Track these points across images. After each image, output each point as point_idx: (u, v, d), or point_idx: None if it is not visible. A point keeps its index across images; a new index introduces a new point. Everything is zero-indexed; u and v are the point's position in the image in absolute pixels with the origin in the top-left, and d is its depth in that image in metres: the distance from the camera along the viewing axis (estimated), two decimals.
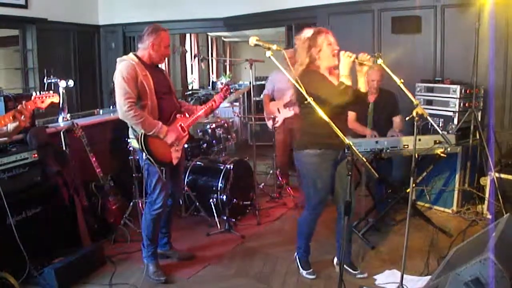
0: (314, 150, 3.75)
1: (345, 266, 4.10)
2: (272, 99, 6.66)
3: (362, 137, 5.11)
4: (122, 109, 3.76)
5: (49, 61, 7.62)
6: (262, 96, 6.83)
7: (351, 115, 5.13)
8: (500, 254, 2.78)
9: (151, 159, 3.88)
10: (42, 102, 3.51)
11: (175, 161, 4.05)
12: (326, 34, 3.72)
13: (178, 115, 4.14)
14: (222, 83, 14.34)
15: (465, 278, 2.82)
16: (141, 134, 3.83)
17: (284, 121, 6.38)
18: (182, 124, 4.12)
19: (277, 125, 6.45)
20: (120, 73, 3.79)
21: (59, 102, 4.45)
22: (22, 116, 3.38)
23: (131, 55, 3.97)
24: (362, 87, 3.70)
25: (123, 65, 3.84)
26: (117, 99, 3.79)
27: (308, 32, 3.77)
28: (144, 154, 3.88)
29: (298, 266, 4.22)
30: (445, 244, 4.63)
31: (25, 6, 7.30)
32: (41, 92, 3.56)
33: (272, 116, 6.32)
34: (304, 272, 4.16)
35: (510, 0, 5.52)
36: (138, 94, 3.83)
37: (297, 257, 4.25)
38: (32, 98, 3.49)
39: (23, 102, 3.42)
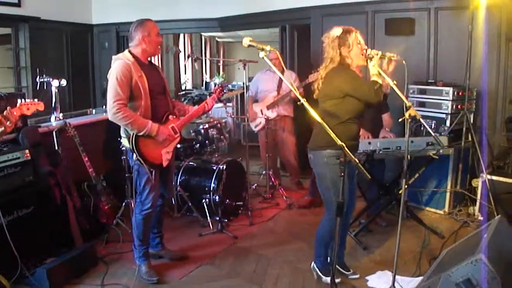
0: (336, 151, 3.50)
1: (337, 266, 4.11)
2: (256, 101, 6.69)
3: None
4: (111, 111, 3.75)
5: (42, 60, 7.61)
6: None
7: None
8: (491, 255, 2.80)
9: (141, 160, 3.87)
10: (28, 109, 3.50)
11: (165, 163, 4.03)
12: (356, 33, 3.71)
13: (171, 117, 4.13)
14: (216, 84, 14.37)
15: (457, 279, 2.83)
16: (133, 135, 3.83)
17: (268, 122, 6.39)
18: (174, 126, 4.11)
19: (260, 127, 6.47)
20: (114, 73, 3.77)
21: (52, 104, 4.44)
22: (8, 122, 3.37)
23: (126, 53, 3.94)
24: (385, 88, 3.70)
25: (119, 64, 3.81)
26: (108, 99, 3.78)
27: (337, 31, 3.72)
28: (134, 154, 3.87)
29: (318, 274, 4.07)
30: (436, 245, 4.65)
31: (18, 5, 7.28)
32: (27, 100, 3.56)
33: (257, 122, 6.34)
34: (328, 279, 3.94)
35: (503, 3, 5.55)
36: (132, 95, 3.82)
37: (315, 266, 4.09)
38: (18, 104, 3.48)
39: (8, 108, 3.41)
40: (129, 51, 3.96)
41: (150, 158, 3.92)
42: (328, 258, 4.07)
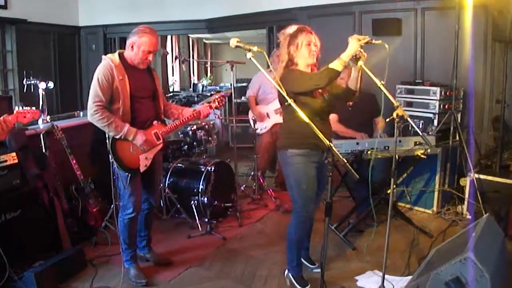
0: (299, 150, 3.63)
1: (302, 260, 4.12)
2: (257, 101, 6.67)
3: (347, 138, 5.15)
4: (89, 111, 3.75)
5: (29, 62, 7.58)
6: (246, 96, 6.80)
7: (333, 116, 5.15)
8: (479, 253, 2.82)
9: (116, 163, 3.85)
10: (24, 117, 3.51)
11: (142, 169, 3.97)
12: (307, 33, 3.64)
13: (155, 122, 4.04)
14: (204, 86, 14.34)
15: (446, 277, 2.85)
16: (111, 137, 3.81)
17: (272, 126, 6.39)
18: (158, 132, 4.03)
19: (265, 130, 6.45)
20: (97, 74, 3.76)
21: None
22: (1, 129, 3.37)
23: (115, 54, 3.90)
24: (353, 84, 3.67)
25: (102, 66, 3.79)
26: (88, 99, 3.77)
27: (291, 29, 3.69)
28: (110, 156, 3.85)
29: (293, 284, 3.92)
30: (425, 245, 4.68)
31: (4, 7, 7.25)
32: (23, 107, 3.55)
33: (265, 124, 6.38)
34: None
35: (489, 3, 5.59)
36: (112, 97, 3.79)
37: (289, 274, 3.97)
38: (15, 112, 3.47)
39: (2, 117, 3.40)
40: (119, 53, 3.93)
41: (126, 162, 3.88)
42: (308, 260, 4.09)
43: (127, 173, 3.90)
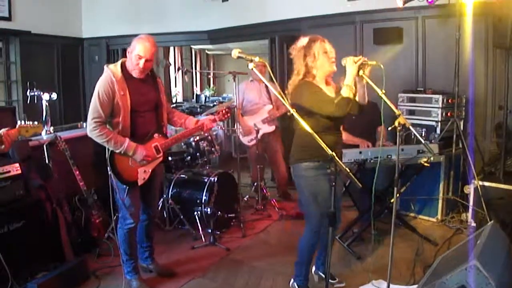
0: (313, 163, 3.56)
1: (320, 273, 4.08)
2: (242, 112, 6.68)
3: (353, 146, 5.15)
4: (88, 127, 3.74)
5: (33, 73, 7.61)
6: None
7: None
8: (485, 261, 2.80)
9: (114, 176, 3.84)
10: (27, 131, 3.52)
11: (140, 182, 3.93)
12: (321, 42, 3.58)
13: (156, 135, 4.00)
14: (206, 97, 14.35)
15: (451, 286, 2.84)
16: (110, 150, 3.80)
17: (262, 136, 6.40)
18: (158, 145, 4.00)
19: (253, 143, 6.46)
20: (97, 88, 3.72)
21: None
22: (2, 146, 3.39)
23: (118, 65, 3.84)
24: (363, 98, 3.63)
25: (103, 80, 3.75)
26: (88, 114, 3.74)
27: (303, 41, 3.63)
28: (108, 168, 3.84)
29: None
30: (430, 253, 4.66)
31: (8, 19, 7.29)
32: (25, 120, 3.56)
33: (252, 136, 6.37)
34: None
35: (489, 10, 5.60)
36: (113, 111, 3.76)
37: (294, 284, 3.97)
38: (17, 126, 3.48)
39: (4, 130, 3.43)
40: (122, 62, 3.88)
41: (124, 175, 3.86)
42: (319, 272, 4.05)
43: (125, 186, 3.89)
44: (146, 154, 3.87)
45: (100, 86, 3.72)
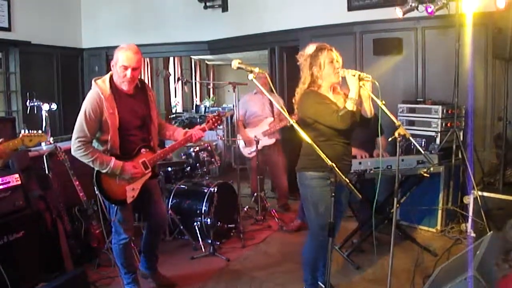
0: (318, 173, 3.55)
1: (320, 283, 4.07)
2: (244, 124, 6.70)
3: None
4: (72, 146, 3.68)
5: (32, 84, 7.62)
6: (233, 121, 6.81)
7: None
8: (484, 271, 2.80)
9: (101, 195, 3.78)
10: (30, 140, 3.49)
11: (129, 200, 3.86)
12: (328, 50, 3.57)
13: (143, 150, 3.92)
14: (206, 107, 14.36)
15: None
16: (96, 170, 3.73)
17: (262, 148, 6.41)
18: (146, 160, 3.90)
19: (253, 154, 6.46)
20: (84, 105, 3.65)
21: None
22: (2, 161, 3.42)
23: (106, 80, 3.74)
24: (367, 111, 3.60)
25: (90, 97, 3.66)
26: (73, 133, 3.68)
27: (310, 49, 3.62)
28: (95, 188, 3.78)
29: None
30: (430, 263, 4.64)
31: (8, 29, 7.30)
32: (25, 130, 3.56)
33: (252, 149, 6.37)
34: None
35: (488, 21, 5.62)
36: (101, 128, 3.69)
37: None
38: (20, 135, 3.48)
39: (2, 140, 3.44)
40: (110, 77, 3.77)
41: (112, 194, 3.80)
42: (319, 282, 4.04)
43: (114, 205, 3.85)
44: (134, 172, 3.80)
45: (87, 104, 3.65)
